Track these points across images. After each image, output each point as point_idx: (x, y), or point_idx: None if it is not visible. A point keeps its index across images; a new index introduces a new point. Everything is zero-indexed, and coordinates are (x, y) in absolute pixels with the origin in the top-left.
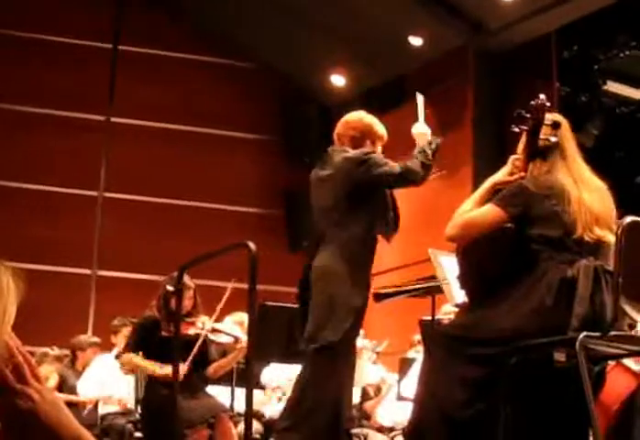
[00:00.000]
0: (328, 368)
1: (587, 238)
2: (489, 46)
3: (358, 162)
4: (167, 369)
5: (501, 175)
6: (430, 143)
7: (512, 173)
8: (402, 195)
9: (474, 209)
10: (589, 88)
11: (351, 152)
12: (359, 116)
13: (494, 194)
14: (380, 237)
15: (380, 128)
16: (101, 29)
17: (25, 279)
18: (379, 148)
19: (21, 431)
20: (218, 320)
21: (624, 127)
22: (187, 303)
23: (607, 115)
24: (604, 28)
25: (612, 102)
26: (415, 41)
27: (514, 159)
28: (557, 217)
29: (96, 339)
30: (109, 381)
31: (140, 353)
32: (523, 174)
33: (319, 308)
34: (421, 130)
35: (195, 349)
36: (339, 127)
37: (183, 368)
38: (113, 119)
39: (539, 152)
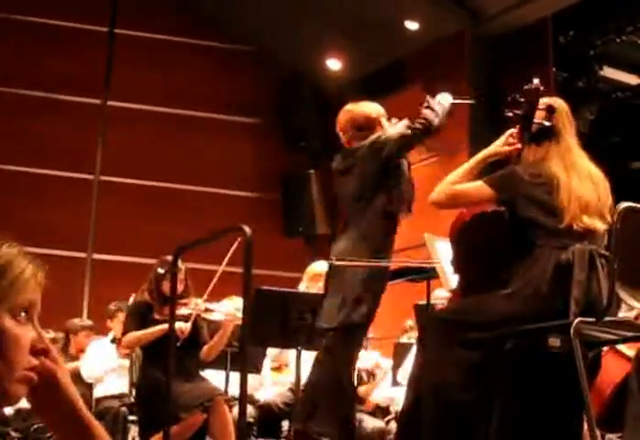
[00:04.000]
0: (346, 351)
1: (575, 227)
2: (485, 31)
3: (372, 143)
4: (165, 325)
5: (494, 147)
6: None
7: (506, 143)
8: None
9: (463, 179)
10: (585, 73)
11: (367, 140)
12: (350, 108)
13: (485, 167)
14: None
15: (373, 110)
16: (97, 13)
17: (46, 269)
18: (385, 126)
19: (49, 400)
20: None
21: (620, 113)
22: (178, 286)
23: (603, 100)
24: (601, 13)
25: (607, 87)
26: (412, 26)
27: (510, 134)
28: (547, 205)
29: (89, 323)
30: (104, 366)
31: None
32: (518, 146)
33: (337, 293)
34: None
35: (191, 323)
36: (339, 125)
37: (184, 326)
38: (109, 103)
39: (534, 137)
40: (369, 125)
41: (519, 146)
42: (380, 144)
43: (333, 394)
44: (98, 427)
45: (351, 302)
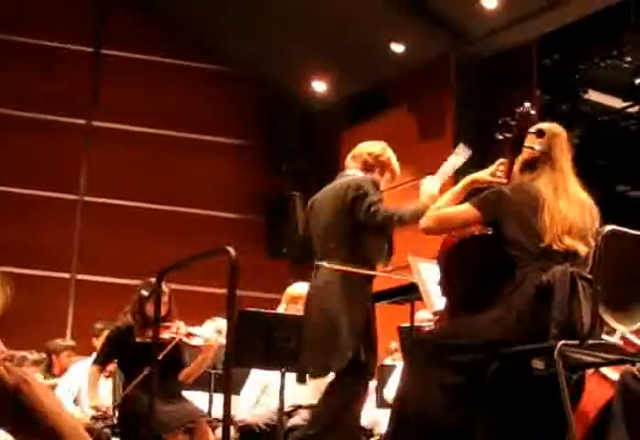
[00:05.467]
0: (352, 390)
1: (555, 247)
2: (470, 54)
3: (358, 187)
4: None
5: (482, 174)
6: (420, 211)
7: (494, 174)
8: None
9: (449, 203)
10: (569, 96)
11: (355, 180)
12: (380, 145)
13: (471, 192)
14: None
15: (394, 163)
16: (83, 33)
17: (13, 284)
18: (385, 177)
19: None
20: (197, 325)
21: (605, 136)
22: (161, 308)
23: (587, 123)
24: (585, 37)
25: (592, 110)
26: (397, 48)
27: (500, 162)
28: (530, 225)
29: (71, 343)
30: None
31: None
32: (505, 181)
33: (322, 333)
34: (428, 188)
35: (167, 350)
36: (357, 149)
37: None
38: (94, 123)
39: (528, 162)
40: (375, 165)
41: (504, 181)
42: (361, 196)
43: (338, 426)
44: (72, 432)
45: (339, 348)
